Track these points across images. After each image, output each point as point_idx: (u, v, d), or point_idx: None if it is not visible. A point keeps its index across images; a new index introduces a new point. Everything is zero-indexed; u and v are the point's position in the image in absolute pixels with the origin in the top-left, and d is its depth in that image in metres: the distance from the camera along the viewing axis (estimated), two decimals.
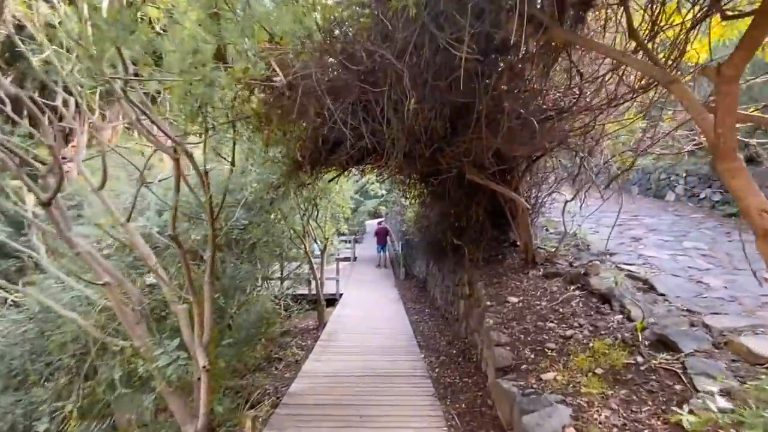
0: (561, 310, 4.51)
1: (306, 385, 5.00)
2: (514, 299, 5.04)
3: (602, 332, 3.83)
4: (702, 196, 9.21)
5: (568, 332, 3.99)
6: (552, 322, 4.31)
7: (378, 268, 16.58)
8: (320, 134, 3.24)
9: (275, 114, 2.74)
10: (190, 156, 2.62)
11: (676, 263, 5.23)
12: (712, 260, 5.28)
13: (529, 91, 2.88)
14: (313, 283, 8.57)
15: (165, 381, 3.05)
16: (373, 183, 14.39)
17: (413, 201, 6.95)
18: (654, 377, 3.03)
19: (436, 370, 5.68)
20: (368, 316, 8.77)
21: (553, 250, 6.22)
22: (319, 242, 13.28)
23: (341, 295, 11.78)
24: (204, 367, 3.20)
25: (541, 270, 5.78)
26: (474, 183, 5.62)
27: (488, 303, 5.14)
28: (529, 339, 4.11)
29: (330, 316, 9.03)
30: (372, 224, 36.18)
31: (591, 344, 3.68)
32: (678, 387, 2.88)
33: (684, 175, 9.87)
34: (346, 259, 18.30)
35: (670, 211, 9.08)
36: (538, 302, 4.86)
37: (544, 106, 3.01)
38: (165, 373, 2.85)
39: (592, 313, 4.25)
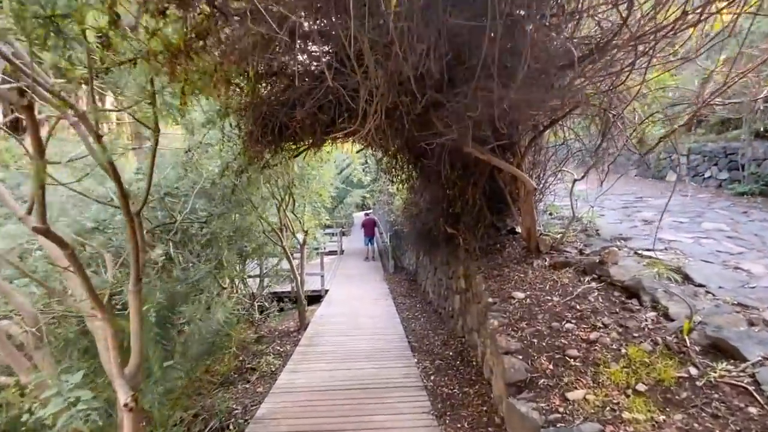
0: (578, 306, 3.81)
1: (279, 404, 4.22)
2: (520, 294, 4.32)
3: (635, 334, 3.14)
4: (707, 174, 8.66)
5: (592, 335, 3.28)
6: (569, 321, 3.60)
7: (366, 261, 15.81)
8: (274, 89, 2.42)
9: (200, 52, 1.91)
10: (71, 106, 1.76)
11: (702, 247, 4.58)
12: (742, 243, 4.65)
13: (557, 15, 2.11)
14: (298, 278, 7.73)
15: None
16: (356, 169, 13.53)
17: (401, 186, 6.16)
18: (717, 396, 2.34)
19: (432, 377, 4.95)
20: (355, 315, 8.01)
21: (559, 236, 5.53)
22: (299, 236, 12.44)
23: (327, 291, 11.00)
24: (126, 404, 2.37)
25: (548, 259, 5.08)
26: (470, 163, 4.86)
27: (490, 300, 4.41)
28: (544, 344, 3.39)
29: (313, 315, 8.23)
30: (360, 216, 35.37)
31: (624, 350, 2.98)
32: (753, 410, 2.19)
33: (686, 153, 9.30)
34: (333, 252, 17.50)
35: (674, 191, 8.49)
36: (549, 297, 4.15)
37: (575, 40, 2.25)
38: (63, 422, 2.03)
39: (617, 309, 3.55)
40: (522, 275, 4.85)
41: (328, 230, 19.38)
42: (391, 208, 11.51)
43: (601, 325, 3.38)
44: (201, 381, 4.97)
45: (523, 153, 4.65)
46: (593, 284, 4.14)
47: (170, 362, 3.19)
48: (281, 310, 9.01)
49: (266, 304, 7.06)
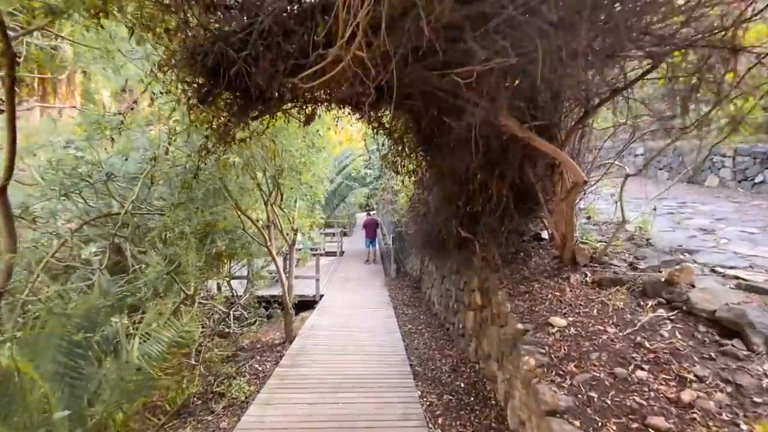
0: (648, 344, 2.76)
1: None
2: (560, 321, 3.28)
3: (755, 398, 2.09)
4: (759, 179, 7.55)
5: (684, 394, 2.24)
6: (640, 367, 2.56)
7: (367, 263, 14.79)
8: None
9: None
10: None
11: None
12: None
13: None
14: (285, 284, 6.71)
15: None
16: (357, 160, 12.50)
17: (407, 179, 5.13)
18: None
19: (439, 419, 3.92)
20: (350, 327, 6.98)
21: (600, 245, 4.49)
22: (299, 234, 11.44)
23: (321, 297, 9.98)
24: None
25: (588, 274, 4.04)
26: (496, 148, 3.83)
27: (521, 326, 3.38)
28: (608, 402, 2.35)
29: (302, 326, 7.22)
30: (362, 217, 34.22)
31: (746, 426, 1.94)
32: None
33: (732, 155, 8.20)
34: (332, 253, 16.50)
35: (720, 197, 7.41)
36: (601, 327, 3.11)
37: None
38: None
39: (711, 354, 2.51)
40: (557, 294, 3.82)
41: (328, 230, 18.42)
42: (395, 207, 10.48)
43: (694, 378, 2.33)
44: (150, 411, 3.97)
45: (565, 137, 3.61)
46: (662, 312, 3.09)
47: (63, 413, 2.20)
48: (269, 316, 8.03)
49: (245, 312, 6.06)
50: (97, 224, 3.80)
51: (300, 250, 10.43)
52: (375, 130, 4.32)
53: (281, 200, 5.67)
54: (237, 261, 7.81)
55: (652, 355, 2.65)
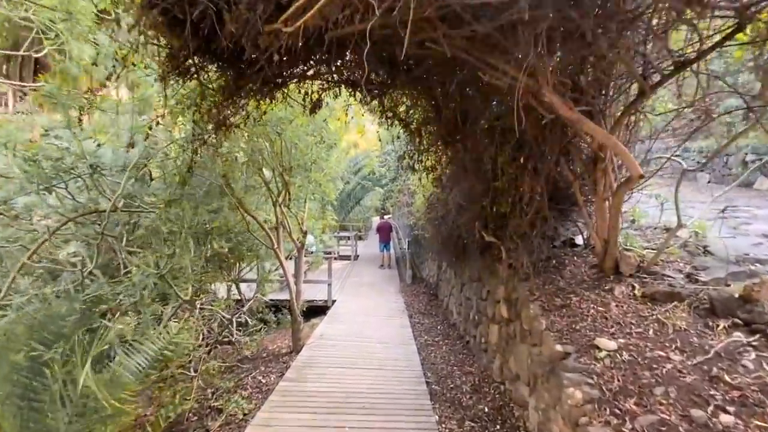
0: (728, 377, 2.21)
1: None
2: (609, 343, 2.74)
3: None
4: None
5: None
6: (724, 410, 2.01)
7: (381, 268, 14.32)
8: None
9: None
10: None
11: None
12: None
13: None
14: (293, 289, 6.30)
15: None
16: (372, 158, 12.05)
17: (425, 177, 4.64)
18: None
19: None
20: (362, 337, 6.52)
21: (647, 252, 3.91)
22: (309, 237, 11.08)
23: (334, 302, 9.57)
24: None
25: (636, 286, 3.47)
26: (529, 139, 3.32)
27: (560, 348, 2.85)
28: None
29: (312, 334, 6.80)
30: (377, 220, 33.67)
31: None
32: None
33: None
34: (346, 257, 16.12)
35: None
36: (663, 353, 2.56)
37: None
38: None
39: None
40: (601, 309, 3.26)
41: (342, 233, 18.05)
42: (411, 209, 10.00)
43: None
44: (141, 427, 3.61)
45: (615, 123, 3.07)
46: (740, 336, 2.52)
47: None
48: (278, 322, 7.66)
49: (250, 319, 5.67)
50: (85, 222, 3.48)
51: (312, 253, 10.05)
52: (389, 121, 3.87)
53: (289, 199, 5.28)
54: (246, 264, 7.48)
55: (736, 394, 2.09)
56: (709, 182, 9.36)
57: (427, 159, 4.25)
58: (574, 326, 3.09)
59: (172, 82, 2.16)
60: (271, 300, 7.89)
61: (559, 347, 2.84)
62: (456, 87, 3.07)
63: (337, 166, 6.34)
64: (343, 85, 2.92)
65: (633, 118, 3.01)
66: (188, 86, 2.57)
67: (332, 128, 5.37)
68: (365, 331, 6.84)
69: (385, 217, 17.67)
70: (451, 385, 4.80)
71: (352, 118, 4.15)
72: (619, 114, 2.97)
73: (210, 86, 2.35)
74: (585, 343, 2.84)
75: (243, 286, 8.24)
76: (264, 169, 5.40)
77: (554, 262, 4.50)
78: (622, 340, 2.77)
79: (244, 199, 4.91)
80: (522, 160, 3.44)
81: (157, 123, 2.86)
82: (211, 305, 5.45)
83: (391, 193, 13.79)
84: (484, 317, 5.38)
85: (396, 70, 2.70)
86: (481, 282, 5.62)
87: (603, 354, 2.66)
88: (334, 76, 2.78)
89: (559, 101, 2.15)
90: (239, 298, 7.64)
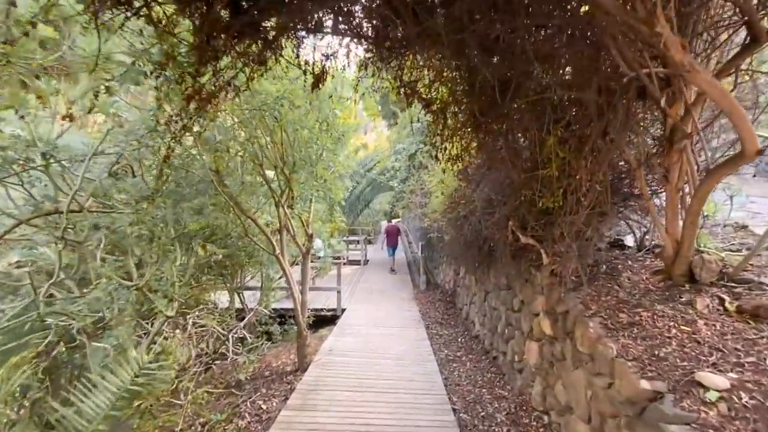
0: None
1: None
2: (717, 380, 2.02)
3: None
4: None
5: None
6: None
7: (392, 273, 13.69)
8: None
9: None
10: None
11: None
12: None
13: None
14: (297, 299, 5.65)
15: None
16: (382, 160, 11.38)
17: (449, 168, 3.95)
18: None
19: None
20: (374, 353, 5.84)
21: (724, 255, 3.19)
22: (317, 242, 10.46)
23: (343, 311, 8.91)
24: None
25: (726, 298, 2.76)
26: (588, 117, 2.63)
27: (647, 385, 2.13)
28: None
29: (319, 348, 6.14)
30: (396, 226, 32.88)
31: None
32: None
33: None
34: (356, 262, 15.48)
35: None
36: None
37: None
38: None
39: None
40: (686, 328, 2.55)
41: (352, 237, 17.43)
42: (425, 210, 9.30)
43: None
44: None
45: (696, 98, 2.37)
46: None
47: None
48: (284, 332, 7.01)
49: (249, 335, 5.03)
50: (45, 224, 2.88)
51: (320, 258, 9.42)
52: (408, 99, 3.21)
53: (292, 199, 4.66)
54: (248, 271, 6.87)
55: None
56: (755, 176, 8.49)
57: (452, 146, 3.56)
58: (656, 353, 2.38)
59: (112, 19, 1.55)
60: (276, 309, 7.27)
61: (645, 384, 2.13)
62: (496, 47, 2.41)
63: (346, 162, 5.70)
64: (353, 41, 2.29)
65: (734, 76, 2.29)
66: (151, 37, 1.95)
67: (340, 120, 4.74)
68: (378, 346, 6.15)
69: (393, 220, 17.02)
70: (482, 413, 4.08)
71: (362, 95, 3.50)
72: (715, 68, 2.26)
73: (178, 41, 1.73)
74: (680, 377, 2.12)
75: (247, 293, 7.65)
76: (265, 167, 4.79)
77: (604, 267, 3.79)
78: (733, 375, 2.05)
79: (240, 198, 4.29)
80: (578, 141, 2.74)
81: (100, 93, 2.25)
82: (209, 318, 4.83)
83: (402, 194, 13.10)
84: (516, 331, 4.66)
85: (418, 21, 2.06)
86: (512, 290, 4.91)
87: (713, 395, 1.95)
88: (341, 26, 2.14)
89: (672, 37, 1.47)
90: (242, 307, 7.05)
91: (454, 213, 5.51)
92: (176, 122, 2.69)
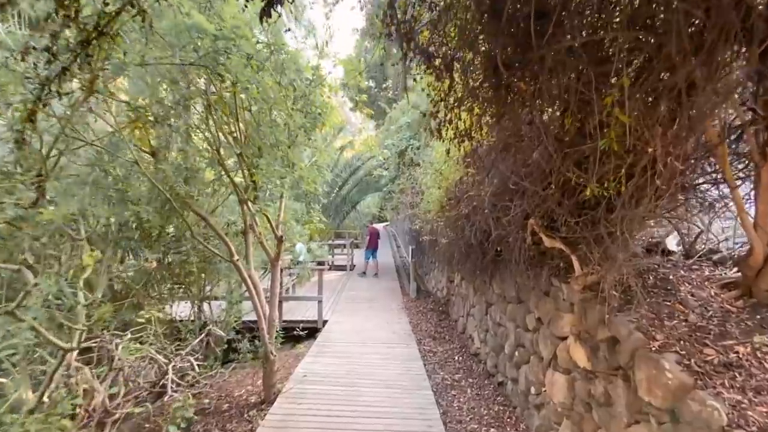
0: None
1: None
2: None
3: None
4: None
5: None
6: None
7: (376, 276, 12.90)
8: None
9: None
10: None
11: None
12: None
13: None
14: (262, 315, 4.64)
15: None
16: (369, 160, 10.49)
17: (457, 147, 3.04)
18: None
19: None
20: (358, 378, 4.91)
21: None
22: (299, 246, 9.45)
23: (325, 323, 7.93)
24: None
25: None
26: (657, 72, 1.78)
27: None
28: None
29: (293, 372, 5.16)
30: (378, 228, 31.86)
31: None
32: None
33: None
34: (341, 267, 14.51)
35: None
36: None
37: None
38: None
39: None
40: None
41: (338, 241, 16.43)
42: (416, 211, 8.41)
43: None
44: None
45: None
46: None
47: None
48: (254, 352, 5.99)
49: (195, 363, 4.02)
50: None
51: (299, 263, 8.42)
52: (403, 51, 2.32)
53: (255, 189, 3.70)
54: (209, 280, 5.87)
55: None
56: None
57: (460, 118, 2.68)
58: None
59: None
60: (246, 322, 6.25)
61: None
62: None
63: (323, 146, 4.75)
64: None
65: None
66: None
67: (315, 93, 3.81)
68: (362, 369, 5.21)
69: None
70: None
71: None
72: None
73: None
74: None
75: (216, 304, 6.60)
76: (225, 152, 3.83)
77: (651, 278, 2.95)
78: None
79: (185, 190, 3.31)
80: (650, 100, 1.88)
81: None
82: (157, 338, 3.81)
83: (391, 194, 12.21)
84: (532, 356, 3.79)
85: None
86: (524, 305, 4.05)
87: None
88: None
89: None
90: (206, 321, 6.02)
91: (452, 211, 4.63)
92: (48, 61, 1.73)
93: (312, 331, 7.78)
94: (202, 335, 3.97)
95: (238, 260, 3.92)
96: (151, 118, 2.41)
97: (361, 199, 17.32)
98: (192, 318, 5.92)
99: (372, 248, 13.13)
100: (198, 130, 3.33)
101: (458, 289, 7.41)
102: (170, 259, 4.71)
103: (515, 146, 2.69)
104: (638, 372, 2.16)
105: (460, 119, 2.63)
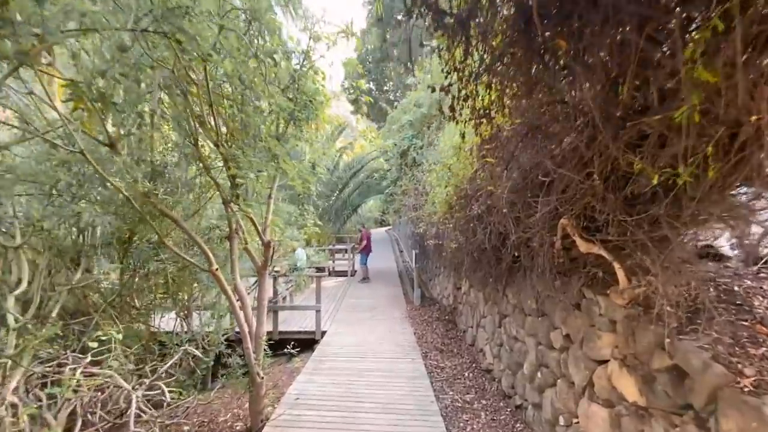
0: None
1: None
2: None
3: None
4: None
5: None
6: None
7: (366, 281, 12.44)
8: None
9: None
10: None
11: None
12: None
13: None
14: (245, 332, 4.12)
15: None
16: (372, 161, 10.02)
17: (475, 130, 2.52)
18: None
19: None
20: (357, 401, 4.37)
21: None
22: (299, 251, 8.93)
23: (324, 334, 7.41)
24: None
25: None
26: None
27: None
28: None
29: (285, 394, 4.63)
30: (380, 232, 31.26)
31: None
32: None
33: None
34: (342, 273, 13.99)
35: None
36: None
37: None
38: None
39: None
40: None
41: (338, 246, 15.90)
42: (420, 214, 7.88)
43: None
44: None
45: None
46: None
47: None
48: (246, 366, 5.46)
49: (165, 391, 3.49)
50: None
51: (295, 270, 7.89)
52: (407, 10, 1.81)
53: (235, 188, 3.19)
54: (193, 292, 5.36)
55: None
56: None
57: (477, 93, 2.16)
58: None
59: None
60: (237, 333, 5.73)
61: None
62: None
63: (318, 144, 4.23)
64: None
65: None
66: None
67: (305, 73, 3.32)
68: (363, 389, 4.67)
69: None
70: None
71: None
72: None
73: None
74: None
75: (206, 314, 6.08)
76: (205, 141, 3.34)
77: (712, 291, 2.42)
78: None
79: (140, 183, 2.79)
80: (749, 51, 1.36)
81: None
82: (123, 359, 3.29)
83: (393, 196, 11.70)
84: (559, 380, 3.24)
85: None
86: (548, 318, 3.51)
87: None
88: None
89: None
90: (196, 334, 5.50)
91: (462, 212, 4.11)
92: None
93: (309, 342, 7.26)
94: (176, 357, 3.46)
95: (217, 270, 3.40)
96: (91, 96, 1.93)
97: (362, 202, 16.80)
98: (176, 331, 5.42)
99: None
100: (165, 115, 2.83)
101: (466, 297, 6.86)
102: (150, 268, 4.21)
103: (545, 129, 2.17)
104: (724, 420, 1.62)
105: (477, 96, 2.12)
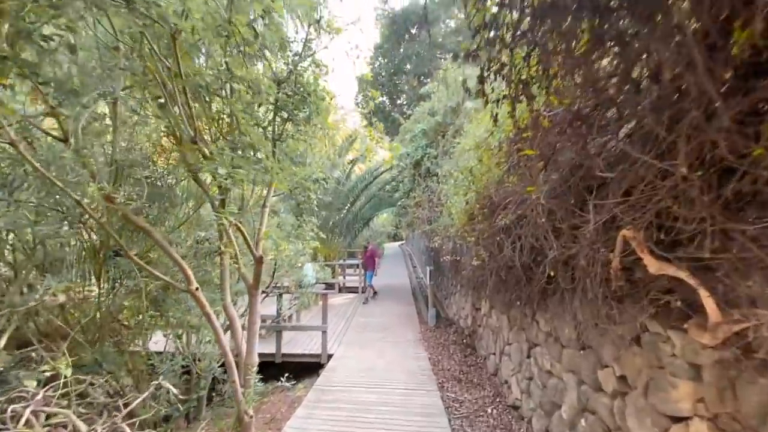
0: None
1: None
2: None
3: None
4: None
5: None
6: None
7: (369, 299, 11.82)
8: None
9: None
10: None
11: None
12: None
13: None
14: (230, 360, 3.57)
15: None
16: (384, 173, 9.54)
17: (504, 114, 1.98)
18: None
19: None
20: None
21: None
22: (308, 266, 8.42)
23: (330, 357, 6.83)
24: None
25: None
26: None
27: None
28: None
29: (283, 428, 4.05)
30: (392, 247, 30.62)
31: None
32: None
33: None
34: (353, 289, 13.41)
35: None
36: None
37: None
38: None
39: None
40: None
41: (349, 261, 15.36)
42: (435, 227, 7.30)
43: None
44: None
45: None
46: None
47: None
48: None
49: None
50: None
51: (301, 288, 7.36)
52: None
53: (223, 193, 2.71)
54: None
55: None
56: None
57: (513, 62, 1.64)
58: None
59: None
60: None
61: None
62: None
63: (321, 139, 3.74)
64: None
65: None
66: None
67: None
68: (371, 428, 4.04)
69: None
70: None
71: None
72: None
73: None
74: None
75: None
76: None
77: None
78: None
79: (99, 185, 2.34)
80: None
81: None
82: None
83: (405, 209, 11.16)
84: None
85: None
86: (592, 352, 2.87)
87: None
88: None
89: None
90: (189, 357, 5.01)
91: (486, 223, 3.53)
92: None
93: (314, 367, 6.69)
94: (146, 394, 2.95)
95: (198, 289, 2.90)
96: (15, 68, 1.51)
97: (374, 215, 16.31)
98: (170, 352, 4.95)
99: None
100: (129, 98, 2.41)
101: (487, 320, 6.19)
102: (130, 285, 3.76)
103: (600, 113, 1.62)
104: None
105: (514, 66, 1.60)
